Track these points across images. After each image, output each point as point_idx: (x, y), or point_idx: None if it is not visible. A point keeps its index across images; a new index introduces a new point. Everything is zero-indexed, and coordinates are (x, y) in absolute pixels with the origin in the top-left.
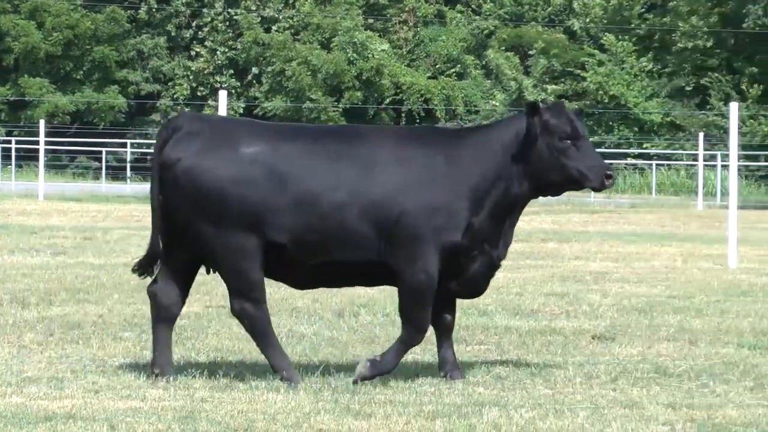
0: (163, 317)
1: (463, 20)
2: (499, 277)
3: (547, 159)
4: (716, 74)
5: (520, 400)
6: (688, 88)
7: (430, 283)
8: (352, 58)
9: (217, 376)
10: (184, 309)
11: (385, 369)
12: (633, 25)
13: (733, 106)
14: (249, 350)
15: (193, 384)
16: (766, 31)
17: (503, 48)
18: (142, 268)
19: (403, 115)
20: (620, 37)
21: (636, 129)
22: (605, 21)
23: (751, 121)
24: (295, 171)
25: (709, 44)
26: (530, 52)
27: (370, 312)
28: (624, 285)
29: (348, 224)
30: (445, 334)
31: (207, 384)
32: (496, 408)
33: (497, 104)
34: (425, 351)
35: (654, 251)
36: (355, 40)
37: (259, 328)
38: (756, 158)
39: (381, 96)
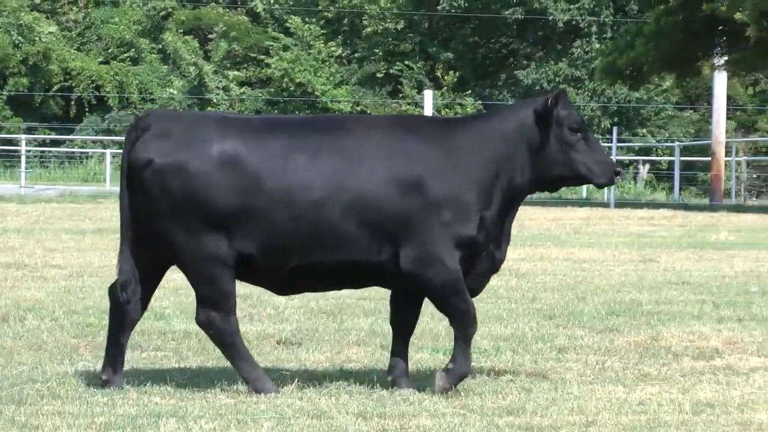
0: (122, 322)
1: (138, 1)
2: (178, 278)
3: (555, 152)
4: (408, 61)
5: (200, 410)
6: (379, 75)
7: (458, 275)
8: (17, 42)
9: None
10: None
11: (463, 372)
12: (320, 8)
13: (427, 94)
14: None
15: None
16: (462, 14)
17: (181, 31)
18: (125, 289)
19: (72, 102)
20: (307, 20)
21: None
22: (291, 3)
23: (447, 110)
24: (271, 170)
25: (400, 27)
26: (210, 36)
27: (37, 317)
28: None
29: (331, 225)
30: (404, 339)
31: None
32: (174, 419)
33: (175, 92)
34: (98, 358)
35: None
36: (21, 21)
37: (227, 339)
38: None
39: (48, 83)
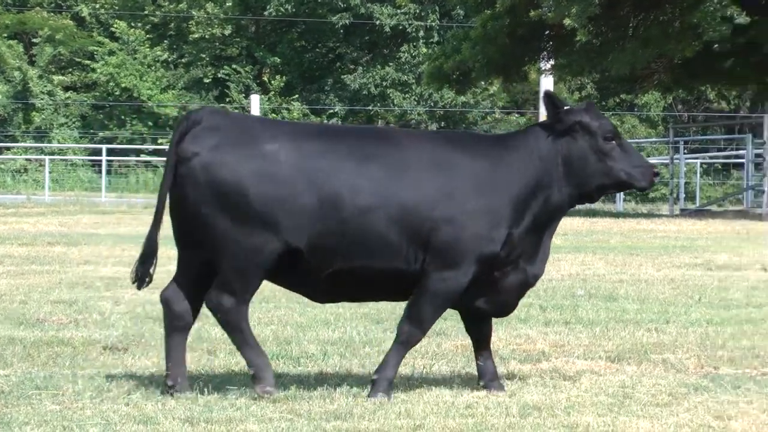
0: (177, 326)
1: None
2: (2, 283)
3: (593, 163)
4: (235, 65)
5: (25, 417)
6: (206, 80)
7: (456, 294)
8: None
9: None
10: None
11: (390, 376)
12: (147, 12)
13: (254, 99)
14: None
15: None
16: (289, 18)
17: (5, 35)
18: (140, 271)
19: None
20: (133, 24)
21: (150, 123)
22: (117, 7)
23: (274, 114)
24: (318, 171)
25: (228, 32)
26: (35, 40)
27: None
28: (137, 292)
29: (374, 230)
30: (483, 344)
31: None
32: None
33: (0, 97)
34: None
35: (173, 255)
36: None
37: (235, 324)
38: None
39: None
